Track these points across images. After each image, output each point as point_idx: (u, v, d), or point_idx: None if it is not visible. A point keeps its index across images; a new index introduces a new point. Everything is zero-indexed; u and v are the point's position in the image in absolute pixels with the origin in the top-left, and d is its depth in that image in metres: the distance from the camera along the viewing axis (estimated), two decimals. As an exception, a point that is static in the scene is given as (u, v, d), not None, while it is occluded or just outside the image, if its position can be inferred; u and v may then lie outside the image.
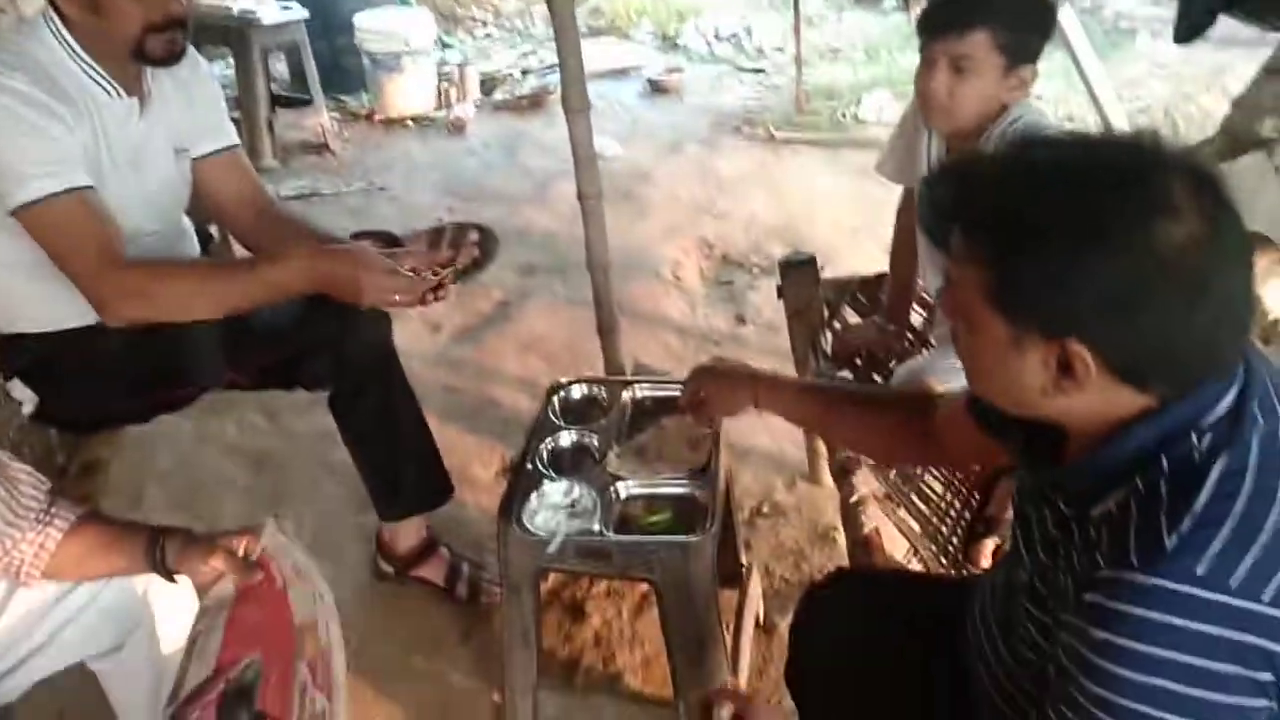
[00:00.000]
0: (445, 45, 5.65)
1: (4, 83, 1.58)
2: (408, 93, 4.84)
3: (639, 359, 2.96)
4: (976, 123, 1.74)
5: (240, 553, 1.31)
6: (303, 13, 4.32)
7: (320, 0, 4.84)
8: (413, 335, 3.13)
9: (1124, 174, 0.84)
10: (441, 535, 2.24)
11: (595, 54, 5.80)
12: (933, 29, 1.73)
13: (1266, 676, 0.79)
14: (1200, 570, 0.79)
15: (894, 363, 2.10)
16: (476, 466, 2.60)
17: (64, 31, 1.68)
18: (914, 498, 1.81)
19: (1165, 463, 0.85)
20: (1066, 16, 4.08)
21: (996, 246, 0.87)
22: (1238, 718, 0.81)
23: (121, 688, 1.57)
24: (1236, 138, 2.31)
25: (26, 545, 1.38)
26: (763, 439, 2.69)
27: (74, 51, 1.69)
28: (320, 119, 4.48)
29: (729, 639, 1.90)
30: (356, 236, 2.18)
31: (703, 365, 1.60)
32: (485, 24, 6.47)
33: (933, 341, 2.10)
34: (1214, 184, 0.84)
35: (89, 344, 1.74)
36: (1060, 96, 4.77)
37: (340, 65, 4.93)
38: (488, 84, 5.21)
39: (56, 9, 1.68)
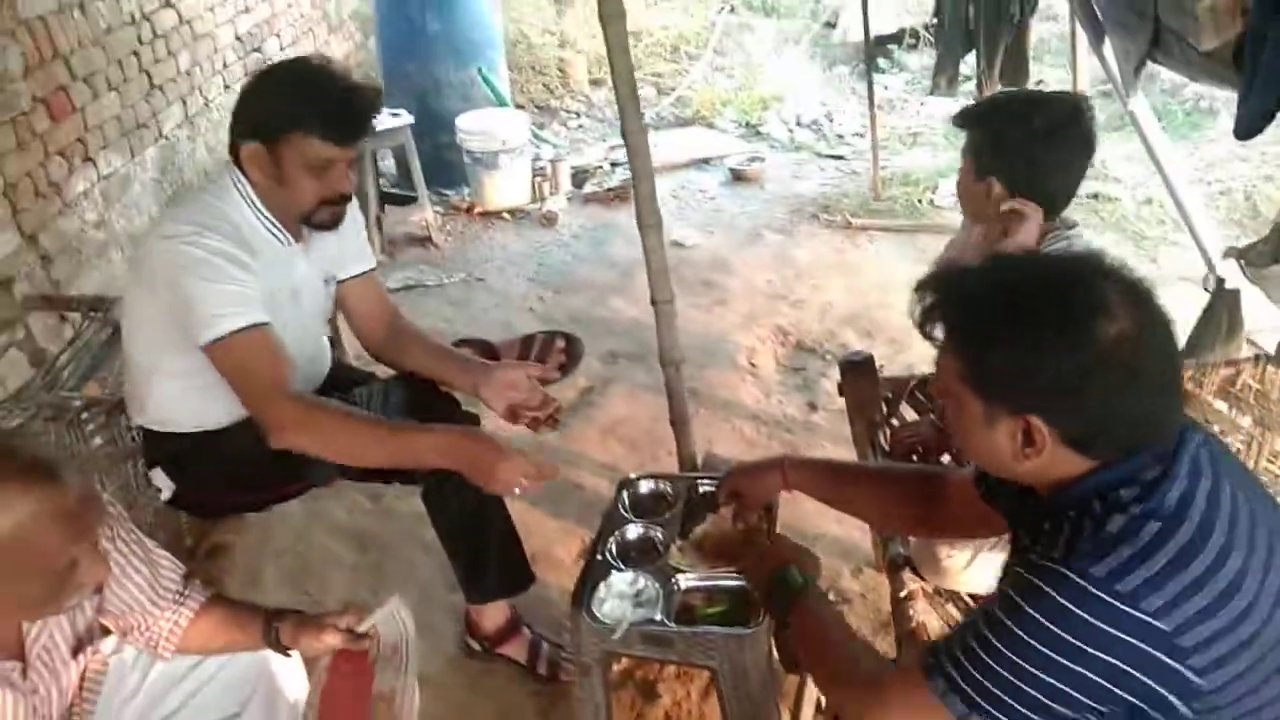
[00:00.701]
0: (539, 140, 5.96)
1: (205, 241, 1.86)
2: (504, 188, 5.14)
3: (712, 446, 3.11)
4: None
5: (346, 626, 1.51)
6: (409, 118, 4.68)
7: (425, 103, 5.25)
8: (503, 423, 3.34)
9: (1068, 282, 1.08)
10: (525, 615, 2.41)
11: (679, 143, 6.08)
12: (960, 120, 1.96)
13: (1131, 671, 0.98)
14: (1097, 573, 1.00)
15: (947, 458, 2.21)
16: (559, 549, 2.77)
17: (248, 191, 1.95)
18: (962, 592, 1.92)
19: (1098, 505, 1.07)
20: (1138, 103, 4.15)
21: (970, 341, 1.11)
22: (1088, 692, 1.01)
23: (242, 746, 1.77)
24: (1289, 238, 2.37)
25: (165, 622, 1.61)
26: (832, 527, 2.80)
27: (255, 207, 1.96)
28: (425, 214, 4.81)
29: (789, 715, 2.02)
30: (459, 344, 2.42)
31: (729, 474, 1.79)
32: (578, 115, 6.80)
33: None
34: (1142, 290, 1.08)
35: (221, 445, 1.99)
36: (1140, 180, 4.81)
37: (443, 161, 5.26)
38: (578, 176, 5.48)
39: (243, 170, 1.94)
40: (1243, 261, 2.52)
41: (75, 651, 1.53)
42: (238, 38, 4.81)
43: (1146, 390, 1.05)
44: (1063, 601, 1.00)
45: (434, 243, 4.77)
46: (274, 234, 1.98)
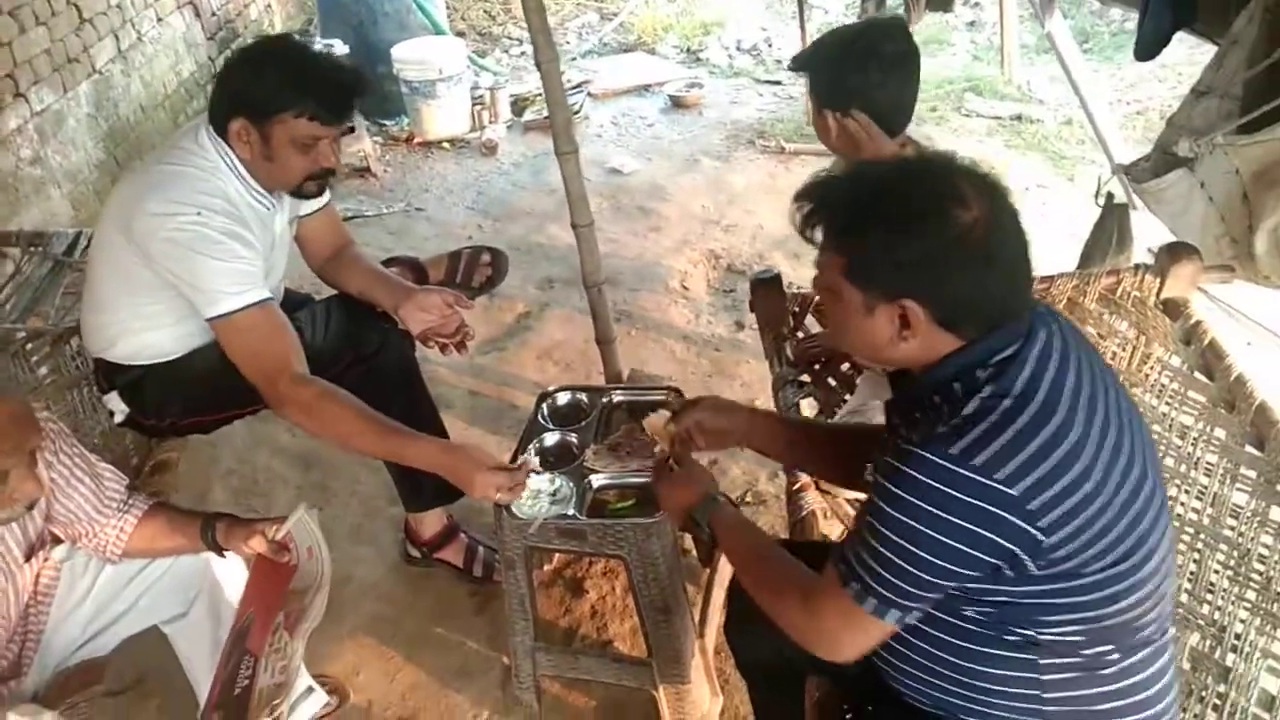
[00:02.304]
0: (479, 68, 5.97)
1: (211, 220, 1.93)
2: (443, 117, 5.17)
3: (644, 366, 3.25)
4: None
5: (270, 535, 1.66)
6: (344, 49, 4.69)
7: (360, 33, 5.24)
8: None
9: (928, 177, 1.21)
10: (461, 521, 2.57)
11: (621, 70, 6.12)
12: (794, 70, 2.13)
13: (985, 533, 1.12)
14: (953, 451, 1.12)
15: (846, 366, 2.38)
16: (496, 463, 2.92)
17: (237, 165, 2.01)
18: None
19: (956, 387, 1.19)
20: (1056, 24, 4.28)
21: (847, 237, 1.21)
22: (959, 559, 1.13)
23: (188, 645, 1.91)
24: (1166, 155, 2.52)
25: (111, 529, 1.74)
26: (752, 435, 2.98)
27: (243, 178, 2.02)
28: (363, 145, 4.84)
29: (699, 609, 2.20)
30: (388, 263, 2.53)
31: (702, 398, 1.79)
32: (520, 41, 6.78)
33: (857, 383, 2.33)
34: (993, 183, 1.20)
35: (180, 371, 2.11)
36: (1062, 100, 4.95)
37: (380, 91, 5.27)
38: (518, 105, 5.51)
39: (227, 141, 1.99)
40: (1129, 176, 2.67)
41: (28, 556, 1.66)
42: (167, -33, 4.76)
43: (1002, 271, 1.17)
44: (927, 480, 1.12)
45: (373, 173, 4.82)
46: (260, 202, 2.06)
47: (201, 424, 2.26)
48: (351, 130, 2.12)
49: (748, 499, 2.72)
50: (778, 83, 5.84)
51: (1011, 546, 1.12)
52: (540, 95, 5.61)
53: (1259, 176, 2.25)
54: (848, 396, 2.33)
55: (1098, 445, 1.16)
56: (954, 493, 1.11)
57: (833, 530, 2.04)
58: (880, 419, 2.01)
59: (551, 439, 2.07)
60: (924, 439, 1.15)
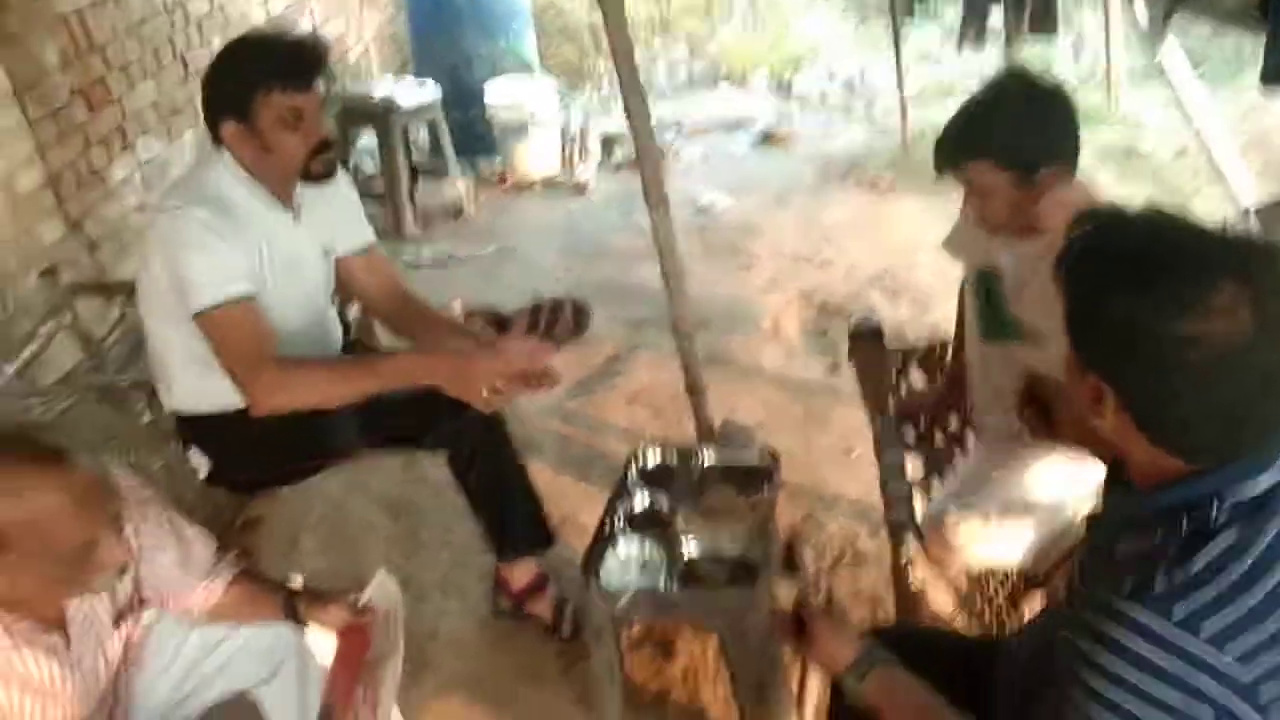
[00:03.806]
0: (569, 106, 5.99)
1: (189, 211, 1.96)
2: (534, 157, 5.19)
3: (734, 412, 3.16)
4: (1028, 221, 1.79)
5: (352, 600, 1.62)
6: (437, 92, 4.74)
7: (455, 76, 5.30)
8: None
9: (1186, 261, 0.98)
10: (553, 575, 2.51)
11: (710, 104, 6.07)
12: (936, 164, 1.84)
13: (1209, 713, 0.93)
14: (1179, 615, 0.94)
15: (955, 424, 2.25)
16: (584, 514, 2.84)
17: (234, 166, 2.05)
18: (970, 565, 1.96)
19: (1184, 524, 1.00)
20: (1169, 52, 4.07)
21: (1073, 277, 1.06)
22: None
23: (277, 709, 1.88)
24: (1306, 194, 2.34)
25: (197, 595, 1.73)
26: (850, 488, 2.86)
27: (243, 179, 2.05)
28: (456, 187, 4.88)
29: (798, 677, 2.09)
30: (469, 316, 2.50)
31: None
32: (611, 77, 6.80)
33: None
34: (1269, 296, 0.95)
35: (246, 423, 2.09)
36: (1175, 130, 4.70)
37: (474, 132, 5.32)
38: (608, 144, 5.50)
39: (229, 149, 2.04)
40: (1259, 219, 2.49)
41: (117, 621, 1.65)
42: (270, 18, 4.90)
43: (1233, 403, 0.97)
44: (1139, 650, 0.94)
45: (466, 215, 4.85)
46: (263, 201, 2.07)
47: (281, 477, 2.26)
48: (326, 98, 2.10)
49: (845, 560, 2.60)
50: (871, 115, 5.71)
51: None
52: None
53: None
54: (958, 454, 2.20)
55: None
56: (1170, 665, 0.93)
57: (943, 606, 1.92)
58: (998, 491, 1.89)
59: (641, 502, 1.99)
60: (1137, 591, 0.96)
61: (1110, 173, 4.61)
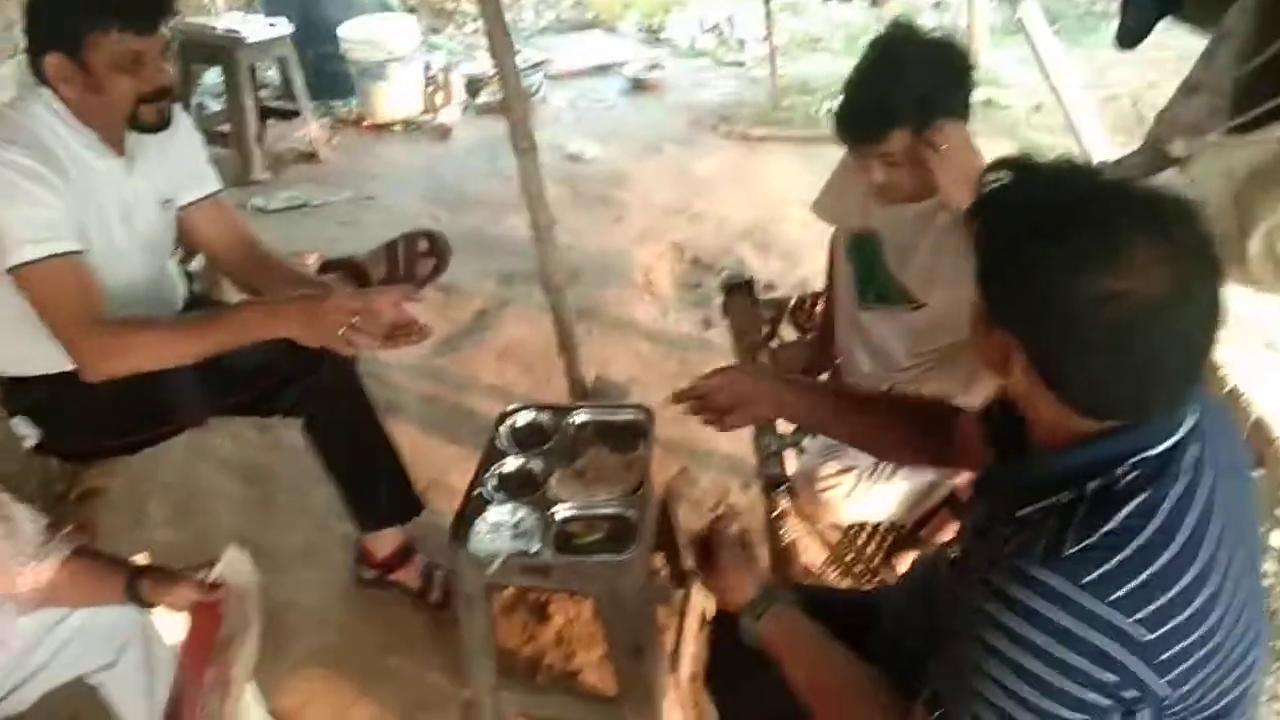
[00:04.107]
0: (433, 46, 5.75)
1: (4, 155, 1.75)
2: (394, 99, 4.97)
3: (607, 368, 3.12)
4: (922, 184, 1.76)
5: (200, 579, 1.51)
6: (288, 28, 4.45)
7: (306, 10, 4.99)
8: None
9: (1099, 214, 0.95)
10: (419, 541, 2.42)
11: (579, 50, 5.94)
12: (853, 141, 1.76)
13: (1112, 679, 0.93)
14: (1086, 579, 0.92)
15: (827, 378, 2.26)
16: (454, 475, 2.75)
17: (55, 105, 1.84)
18: (840, 522, 1.97)
19: (1090, 487, 0.98)
20: (1028, 9, 4.17)
21: (983, 231, 1.03)
22: (1082, 710, 0.95)
23: (120, 696, 1.75)
24: (1157, 152, 2.42)
25: (25, 578, 1.56)
26: (723, 443, 2.85)
27: (67, 122, 1.85)
28: (309, 129, 4.62)
29: (673, 638, 2.08)
30: (324, 268, 2.35)
31: (733, 367, 1.65)
32: (475, 18, 6.55)
33: None
34: (1197, 259, 0.93)
35: (82, 389, 1.91)
36: (1033, 86, 4.85)
37: (328, 72, 5.04)
38: (473, 85, 5.31)
39: (50, 87, 1.83)
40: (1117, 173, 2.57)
41: (-68, 610, 1.49)
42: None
43: (1140, 365, 0.94)
44: (1050, 612, 0.93)
45: (319, 159, 4.60)
46: (91, 148, 1.88)
47: (120, 447, 2.08)
48: (169, 43, 1.93)
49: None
50: (740, 64, 5.69)
51: (1131, 694, 0.94)
52: (497, 77, 5.42)
53: (1252, 179, 2.15)
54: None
55: (1230, 596, 0.98)
56: (1078, 628, 0.92)
57: (815, 559, 1.93)
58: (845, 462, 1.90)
59: (512, 465, 1.92)
60: (1046, 556, 0.95)
61: (970, 126, 4.72)
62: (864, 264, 1.95)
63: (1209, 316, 0.94)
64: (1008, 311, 1.00)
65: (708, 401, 1.53)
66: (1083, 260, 0.93)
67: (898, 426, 1.47)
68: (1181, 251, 0.93)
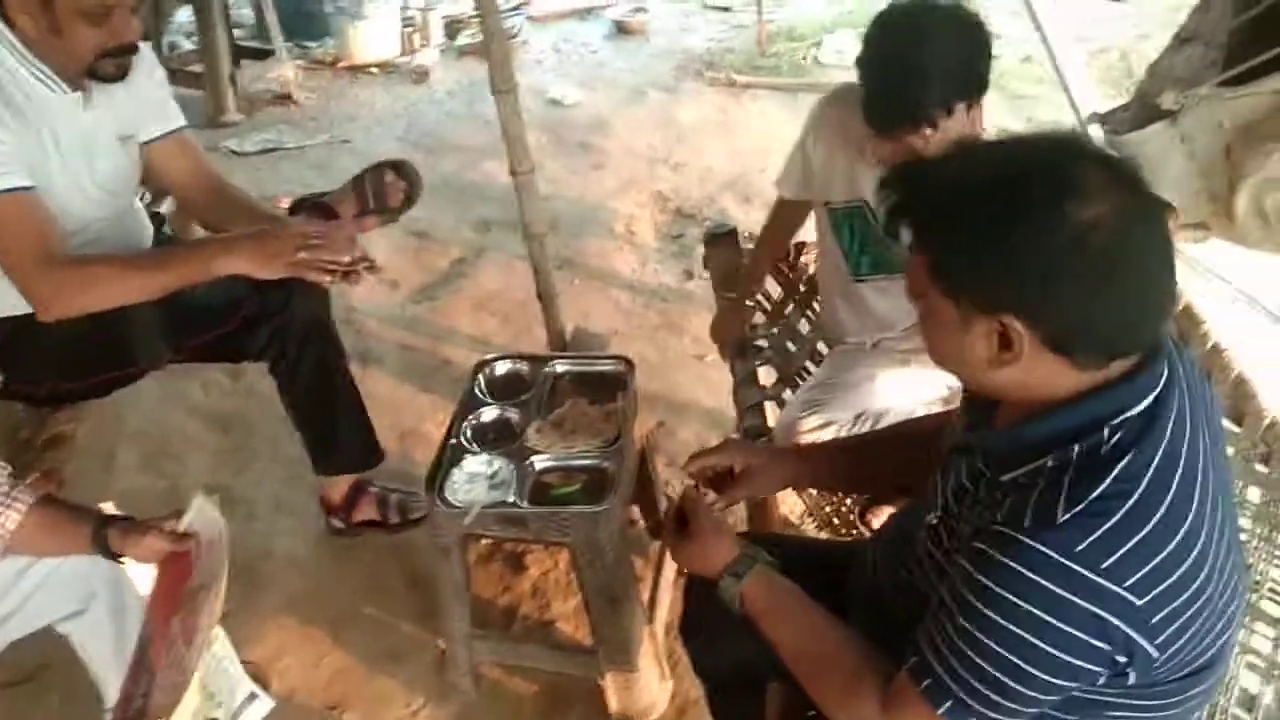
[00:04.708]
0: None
1: None
2: (371, 39, 4.85)
3: (587, 319, 3.08)
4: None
5: (170, 529, 1.48)
6: (262, -36, 4.33)
7: (281, -54, 4.85)
8: (369, 293, 3.25)
9: (1038, 164, 0.96)
10: (374, 472, 2.36)
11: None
12: (918, 120, 1.60)
13: (1105, 646, 0.93)
14: (1079, 547, 0.92)
15: (807, 329, 2.23)
16: (429, 424, 2.73)
17: (9, 35, 1.76)
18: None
19: (1076, 450, 0.97)
20: (1020, -41, 4.09)
21: (935, 236, 1.00)
22: (1074, 676, 0.95)
23: (89, 645, 1.72)
24: (1147, 105, 2.38)
25: (-10, 525, 1.53)
26: (703, 395, 2.84)
27: (19, 53, 1.77)
28: (283, 70, 4.51)
29: (649, 589, 2.07)
30: (293, 209, 2.29)
31: (736, 440, 1.63)
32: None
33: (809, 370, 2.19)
34: (1128, 174, 0.96)
35: (40, 330, 1.85)
36: (1021, 37, 4.78)
37: (304, 10, 4.92)
38: (451, 27, 5.19)
39: (5, 18, 1.75)
40: (1105, 126, 2.53)
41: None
42: None
43: (1129, 288, 0.94)
44: (1040, 579, 0.92)
45: (294, 100, 4.50)
46: (45, 82, 1.81)
47: (83, 389, 2.03)
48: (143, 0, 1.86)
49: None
50: (726, 9, 5.58)
51: (1122, 659, 0.94)
52: (477, 17, 5.30)
53: (1245, 131, 2.13)
54: (809, 365, 2.19)
55: (1216, 548, 0.98)
56: (1073, 597, 0.92)
57: (793, 511, 1.92)
58: (851, 399, 1.89)
59: (489, 415, 1.89)
60: (1037, 524, 0.94)
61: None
62: (855, 235, 1.91)
63: (1161, 224, 0.97)
64: (999, 294, 0.96)
65: (719, 468, 1.46)
66: (1048, 205, 0.93)
67: (895, 457, 1.43)
68: (1112, 170, 0.95)
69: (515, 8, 5.38)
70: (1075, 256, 0.92)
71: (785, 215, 2.14)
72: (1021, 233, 0.93)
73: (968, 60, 1.61)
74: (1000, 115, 4.28)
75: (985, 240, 0.95)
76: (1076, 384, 0.98)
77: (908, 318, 1.90)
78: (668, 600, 2.09)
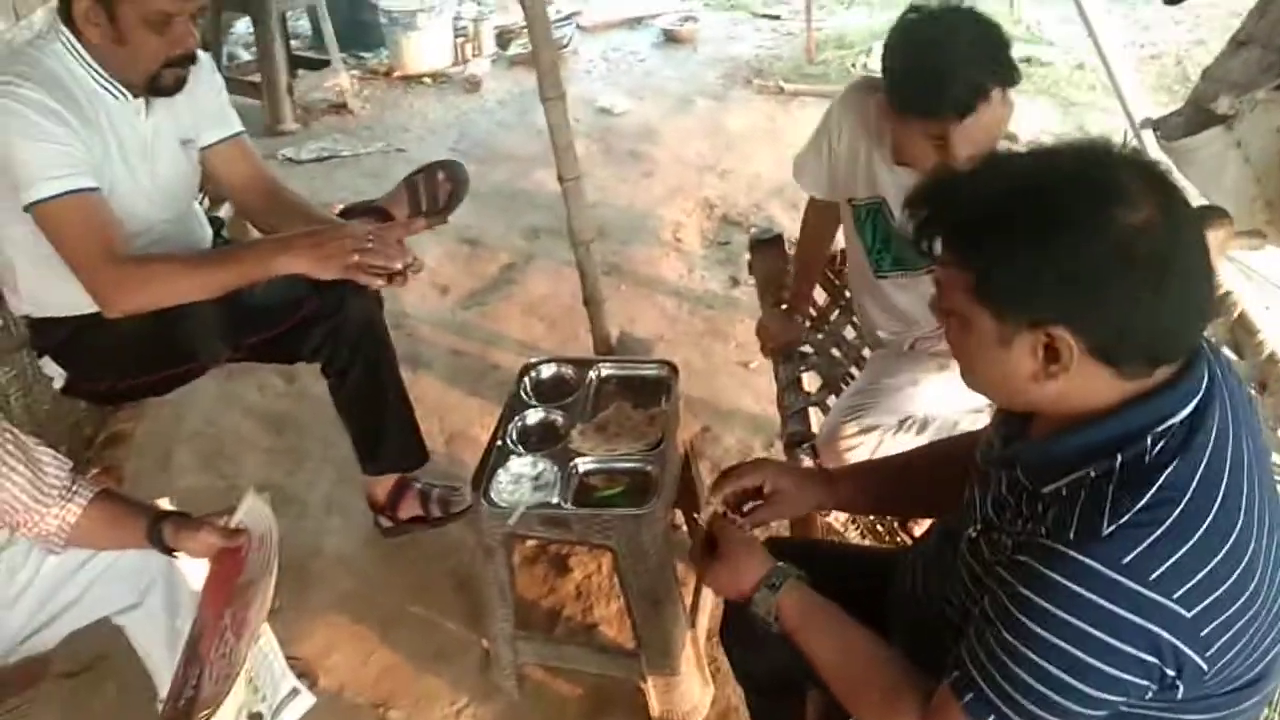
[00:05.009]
0: (464, -3, 5.70)
1: (19, 91, 1.76)
2: (425, 50, 4.92)
3: (632, 324, 3.10)
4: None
5: (223, 525, 1.52)
6: (319, -24, 4.42)
7: (338, -41, 4.95)
8: (420, 298, 3.31)
9: (1076, 172, 0.95)
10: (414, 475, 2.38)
11: (611, 1, 5.84)
12: (962, 109, 1.58)
13: (1154, 660, 0.91)
14: (1126, 560, 0.90)
15: (853, 335, 2.23)
16: (476, 427, 2.77)
17: (77, 45, 1.84)
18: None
19: (1119, 460, 0.95)
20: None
21: (975, 248, 0.97)
22: (1123, 691, 0.93)
23: (144, 637, 1.78)
24: (1201, 110, 2.35)
25: (52, 519, 1.58)
26: (747, 401, 2.84)
27: (85, 62, 1.85)
28: (339, 80, 4.60)
29: (691, 593, 2.08)
30: (346, 213, 2.34)
31: (765, 460, 1.60)
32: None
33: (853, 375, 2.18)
34: (1162, 178, 0.96)
35: (103, 328, 1.92)
36: (1073, 43, 4.73)
37: (359, 21, 5.01)
38: (504, 38, 5.25)
39: (74, 28, 1.83)
40: (1158, 132, 2.50)
41: (-40, 548, 1.51)
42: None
43: (1177, 292, 0.92)
44: (1086, 593, 0.91)
45: (350, 110, 4.58)
46: (109, 90, 1.88)
47: (143, 387, 2.10)
48: (204, 8, 1.93)
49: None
50: (776, 16, 5.58)
51: (1171, 672, 0.92)
52: (527, 27, 5.36)
53: (1303, 137, 2.09)
54: (854, 371, 2.19)
55: (1266, 556, 0.96)
56: (1121, 611, 0.90)
57: (837, 518, 1.91)
58: (893, 404, 1.89)
59: (534, 417, 1.92)
60: (1082, 537, 0.93)
61: (1009, 86, 4.62)
62: (877, 233, 1.91)
63: (1200, 227, 0.96)
64: (1047, 304, 0.94)
65: (746, 486, 1.43)
66: (1094, 211, 0.91)
67: (928, 479, 1.40)
68: (1151, 175, 0.95)
69: (565, 18, 5.43)
70: (1123, 263, 0.90)
71: (816, 216, 2.12)
72: (1067, 240, 0.92)
73: (997, 45, 1.61)
74: (1052, 122, 4.24)
75: (1029, 251, 0.93)
76: (1120, 393, 0.97)
77: (928, 313, 1.88)
78: (709, 606, 2.09)
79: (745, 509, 1.41)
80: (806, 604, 1.23)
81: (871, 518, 1.90)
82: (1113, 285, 0.91)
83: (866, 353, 2.18)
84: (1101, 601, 0.90)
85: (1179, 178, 0.98)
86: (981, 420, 1.86)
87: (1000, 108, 1.62)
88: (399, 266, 1.82)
